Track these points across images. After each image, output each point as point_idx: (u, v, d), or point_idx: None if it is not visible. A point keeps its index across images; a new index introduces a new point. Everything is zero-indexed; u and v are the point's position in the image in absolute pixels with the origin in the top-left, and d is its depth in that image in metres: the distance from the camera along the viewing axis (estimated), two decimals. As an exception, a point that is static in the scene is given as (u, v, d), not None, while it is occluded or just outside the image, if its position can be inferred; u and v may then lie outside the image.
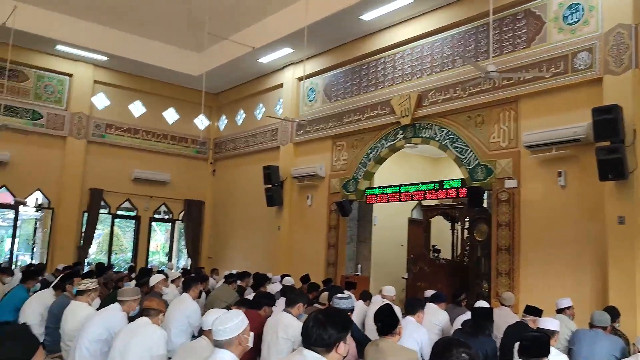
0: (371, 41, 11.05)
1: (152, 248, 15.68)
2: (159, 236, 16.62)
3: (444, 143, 9.50)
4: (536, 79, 8.06)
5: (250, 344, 3.17)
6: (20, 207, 13.39)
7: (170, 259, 15.86)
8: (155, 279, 7.13)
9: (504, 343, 5.28)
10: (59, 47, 12.87)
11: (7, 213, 14.13)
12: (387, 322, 4.07)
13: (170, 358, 4.35)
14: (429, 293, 7.12)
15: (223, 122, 15.94)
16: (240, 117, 15.22)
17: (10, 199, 13.06)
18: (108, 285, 8.56)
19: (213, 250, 15.54)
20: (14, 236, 13.57)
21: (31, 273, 7.58)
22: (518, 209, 8.25)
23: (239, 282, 8.71)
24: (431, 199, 10.32)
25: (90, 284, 5.75)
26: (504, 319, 6.06)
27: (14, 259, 13.44)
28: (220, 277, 10.89)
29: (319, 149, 12.20)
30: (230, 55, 12.85)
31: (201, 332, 4.32)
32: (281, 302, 6.56)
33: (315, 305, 6.43)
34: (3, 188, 12.84)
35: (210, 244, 15.71)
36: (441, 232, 12.36)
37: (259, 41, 12.05)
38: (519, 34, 8.49)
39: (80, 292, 5.67)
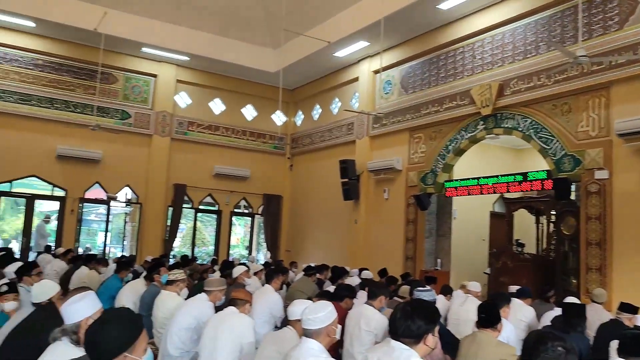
0: (449, 30, 10.79)
1: (232, 241, 16.14)
2: (239, 230, 17.08)
3: (527, 133, 9.14)
4: (630, 63, 7.58)
5: (338, 336, 3.19)
6: (112, 202, 14.18)
7: (250, 252, 16.27)
8: (237, 271, 7.34)
9: (598, 341, 5.02)
10: (145, 50, 13.49)
11: (98, 208, 15.01)
12: (490, 315, 3.97)
13: (257, 348, 4.46)
14: (513, 288, 6.89)
15: (300, 118, 16.14)
16: (317, 112, 15.34)
17: (103, 195, 13.87)
18: (193, 276, 8.88)
19: (291, 243, 15.79)
20: (106, 230, 14.42)
21: (124, 264, 8.00)
22: (610, 201, 7.79)
23: (317, 275, 8.79)
24: (514, 192, 9.96)
25: (179, 274, 6.00)
26: (596, 316, 5.78)
27: (106, 251, 14.28)
28: (298, 270, 11.05)
29: (396, 142, 12.08)
30: (306, 51, 12.96)
31: (286, 322, 4.40)
32: (361, 294, 6.57)
33: (395, 298, 6.39)
34: (96, 184, 13.64)
35: (288, 237, 15.97)
36: (525, 226, 11.90)
37: (334, 35, 12.08)
38: (611, 15, 8.00)
39: (169, 282, 5.92)
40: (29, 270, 5.57)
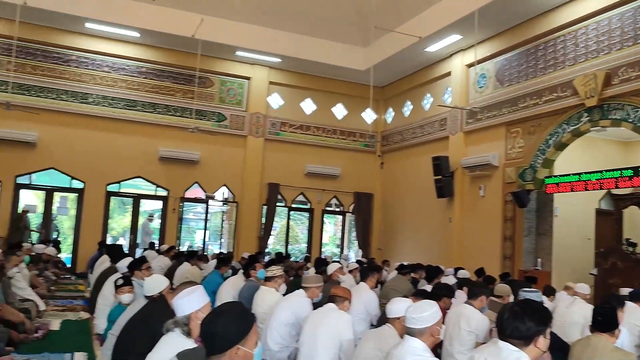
0: (547, 19, 10.27)
1: (323, 239, 16.32)
2: (329, 228, 17.24)
3: (639, 125, 8.50)
4: None
5: (442, 337, 3.13)
6: (210, 201, 14.81)
7: (342, 250, 16.38)
8: (332, 268, 7.40)
9: None
10: (239, 53, 13.95)
11: (196, 207, 15.73)
12: (608, 319, 3.74)
13: (356, 345, 4.47)
14: (625, 291, 6.43)
15: (390, 115, 16.02)
16: (407, 108, 15.16)
17: (201, 194, 14.52)
18: (289, 273, 9.05)
19: (383, 241, 15.71)
20: (205, 228, 15.08)
21: (224, 260, 8.32)
22: None
23: (412, 274, 8.69)
24: (624, 188, 9.30)
25: (277, 270, 6.13)
26: None
27: (205, 248, 14.93)
28: (391, 269, 10.97)
29: (492, 137, 11.67)
30: (397, 47, 12.84)
31: (383, 320, 4.38)
32: (459, 294, 6.40)
33: (491, 298, 6.17)
34: (195, 184, 14.30)
35: (379, 235, 15.91)
36: (636, 224, 11.09)
37: (425, 30, 11.87)
38: None
39: (268, 279, 6.07)
40: (139, 265, 5.92)
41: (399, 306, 3.88)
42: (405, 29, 12.19)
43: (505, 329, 2.61)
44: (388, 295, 7.40)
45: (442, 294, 5.72)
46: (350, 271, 8.39)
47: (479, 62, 11.40)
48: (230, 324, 2.10)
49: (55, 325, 6.38)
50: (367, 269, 7.04)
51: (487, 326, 4.77)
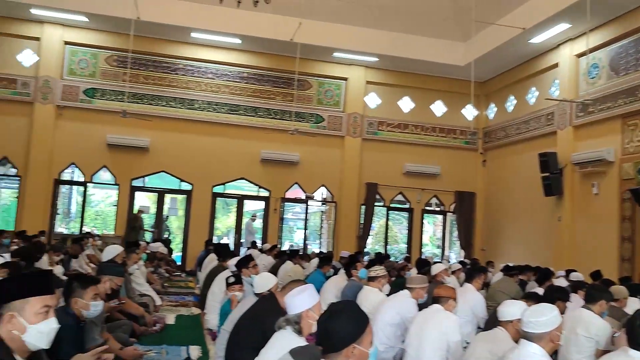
0: (670, 0, 9.44)
1: (423, 240, 16.05)
2: (427, 228, 16.93)
3: None
4: None
5: (562, 342, 2.97)
6: (309, 202, 15.06)
7: (443, 251, 16.03)
8: (437, 269, 7.25)
9: None
10: (336, 54, 14.07)
11: (294, 207, 16.05)
12: None
13: (465, 347, 4.35)
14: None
15: (492, 111, 15.44)
16: (511, 103, 14.53)
17: (301, 195, 14.81)
18: (390, 273, 8.98)
19: (486, 242, 15.18)
20: (305, 227, 15.36)
21: (326, 259, 8.42)
22: None
23: (520, 275, 8.32)
24: None
25: (380, 270, 6.12)
26: None
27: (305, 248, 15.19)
28: (495, 270, 10.58)
29: (606, 131, 10.90)
30: (498, 40, 12.36)
31: (492, 323, 4.22)
32: (573, 298, 6.04)
33: (611, 303, 5.75)
34: (295, 185, 14.60)
35: (482, 235, 15.38)
36: None
37: (529, 21, 11.32)
38: None
39: (371, 278, 6.07)
40: (246, 263, 6.13)
41: (512, 309, 3.73)
42: (508, 21, 11.70)
43: (637, 336, 2.41)
44: (494, 297, 7.16)
45: (556, 297, 5.40)
46: (453, 272, 8.19)
47: (591, 50, 10.68)
48: (346, 323, 2.11)
49: (170, 319, 6.77)
50: (472, 270, 6.85)
51: (609, 332, 4.47)
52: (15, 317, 2.19)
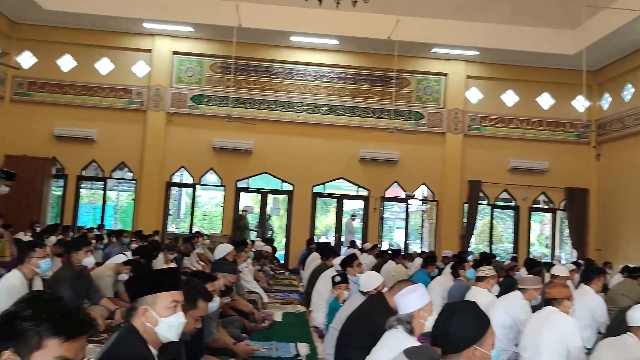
0: None
1: (530, 239, 15.32)
2: (535, 226, 16.12)
3: None
4: None
5: None
6: (409, 200, 14.87)
7: (553, 251, 15.22)
8: (559, 270, 6.88)
9: None
10: (435, 50, 13.79)
11: (393, 206, 15.91)
12: None
13: (588, 353, 4.08)
14: None
15: (606, 101, 14.40)
16: (628, 92, 13.47)
17: (400, 193, 14.66)
18: (498, 274, 8.65)
19: (601, 241, 14.18)
20: (406, 227, 15.19)
21: (430, 259, 8.27)
22: None
23: (643, 277, 7.67)
24: None
25: (489, 270, 5.90)
26: None
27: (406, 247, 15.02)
28: (614, 272, 9.86)
29: None
30: (613, 25, 11.53)
31: (617, 328, 3.93)
32: None
33: None
34: (395, 184, 14.48)
35: (597, 234, 14.40)
36: None
37: (648, 2, 10.46)
38: None
39: (479, 279, 5.86)
40: (350, 262, 6.14)
41: (643, 314, 3.45)
42: (623, 4, 10.86)
43: None
44: (615, 300, 6.69)
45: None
46: (565, 273, 7.70)
47: None
48: (466, 323, 2.05)
49: (277, 316, 6.93)
50: (589, 271, 6.43)
51: None
52: (148, 310, 2.35)
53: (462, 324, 2.03)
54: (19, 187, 12.06)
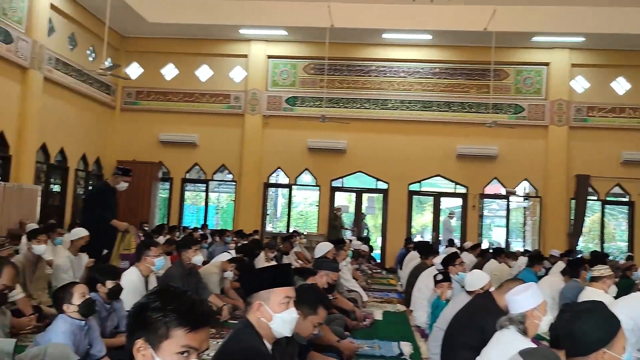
0: None
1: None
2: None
3: None
4: None
5: None
6: (510, 197, 14.27)
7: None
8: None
9: None
10: (535, 39, 13.15)
11: (491, 203, 15.31)
12: None
13: None
14: None
15: None
16: None
17: (500, 190, 14.10)
18: (615, 274, 8.10)
19: None
20: (507, 224, 14.59)
21: (537, 258, 7.89)
22: None
23: None
24: None
25: (605, 270, 5.52)
26: None
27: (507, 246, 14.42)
28: None
29: None
30: None
31: None
32: None
33: None
34: (494, 180, 13.95)
35: None
36: None
37: None
38: None
39: (594, 279, 5.51)
40: (452, 261, 5.98)
41: None
42: None
43: None
44: None
45: None
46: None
47: None
48: (596, 326, 1.91)
49: (378, 315, 6.89)
50: None
51: None
52: (263, 305, 2.40)
53: (591, 325, 1.90)
54: (129, 190, 12.78)
